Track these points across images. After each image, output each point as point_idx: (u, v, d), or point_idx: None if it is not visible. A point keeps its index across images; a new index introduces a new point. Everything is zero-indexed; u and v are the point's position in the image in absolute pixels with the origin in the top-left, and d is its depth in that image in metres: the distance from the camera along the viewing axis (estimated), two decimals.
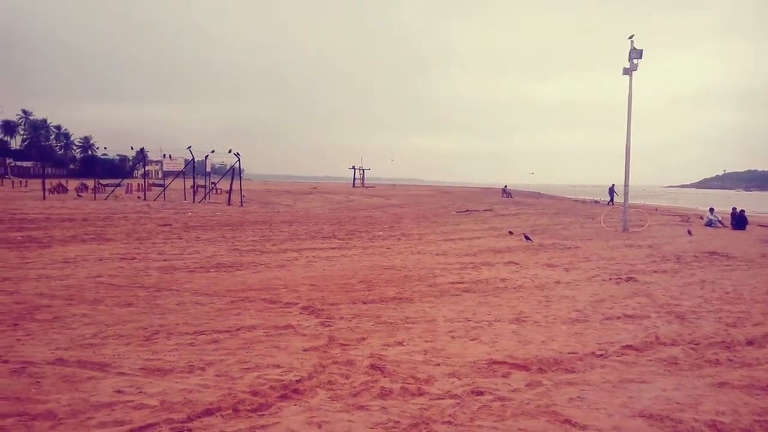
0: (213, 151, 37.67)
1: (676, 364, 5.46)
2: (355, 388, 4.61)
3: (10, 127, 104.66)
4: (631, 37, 20.43)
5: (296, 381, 4.70)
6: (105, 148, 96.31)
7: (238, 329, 6.30)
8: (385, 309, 7.54)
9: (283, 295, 8.33)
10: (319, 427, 3.87)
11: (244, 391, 4.44)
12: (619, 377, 5.02)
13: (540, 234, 18.85)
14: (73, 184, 46.34)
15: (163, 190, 37.47)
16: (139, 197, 36.90)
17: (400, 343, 5.93)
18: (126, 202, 31.28)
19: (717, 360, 5.61)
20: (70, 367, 4.91)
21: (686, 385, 4.86)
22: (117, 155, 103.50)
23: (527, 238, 16.65)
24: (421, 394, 4.50)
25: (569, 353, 5.70)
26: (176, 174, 41.32)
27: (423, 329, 6.53)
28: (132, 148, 43.96)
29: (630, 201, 23.24)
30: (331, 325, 6.59)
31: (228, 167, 40.79)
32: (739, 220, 22.87)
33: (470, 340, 6.15)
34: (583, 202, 48.20)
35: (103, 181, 47.97)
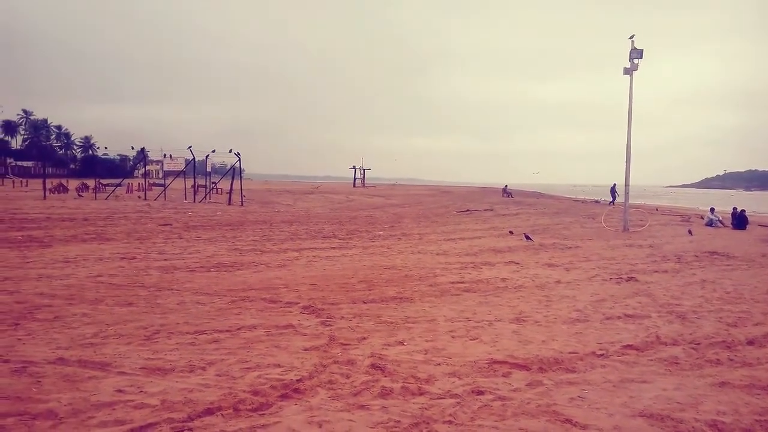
0: (213, 151, 37.72)
1: (676, 363, 5.46)
2: (355, 387, 4.61)
3: (10, 127, 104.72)
4: (631, 37, 20.42)
5: (297, 380, 4.70)
6: (106, 147, 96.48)
7: (238, 329, 6.30)
8: (386, 308, 7.54)
9: (284, 294, 8.33)
10: (320, 426, 3.87)
11: (244, 391, 4.44)
12: (619, 377, 5.02)
13: (540, 234, 18.84)
14: (73, 183, 46.38)
15: (164, 190, 37.49)
16: (139, 197, 36.93)
17: (401, 343, 5.93)
18: (126, 202, 31.29)
19: (718, 360, 5.61)
20: (70, 367, 4.91)
21: (687, 385, 4.85)
22: (117, 155, 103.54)
23: (528, 237, 16.65)
24: (421, 394, 4.50)
25: (570, 353, 5.70)
26: (177, 174, 41.32)
27: (423, 329, 6.53)
28: (132, 148, 43.95)
29: (631, 201, 23.23)
30: (331, 325, 6.59)
31: (228, 167, 40.80)
32: (739, 220, 22.86)
33: (471, 339, 6.14)
34: (584, 201, 48.19)
35: (104, 181, 48.02)
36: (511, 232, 18.81)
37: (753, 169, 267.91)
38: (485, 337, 6.24)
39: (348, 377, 4.84)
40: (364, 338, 6.07)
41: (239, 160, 36.59)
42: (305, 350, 5.59)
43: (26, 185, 51.58)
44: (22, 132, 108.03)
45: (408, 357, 5.45)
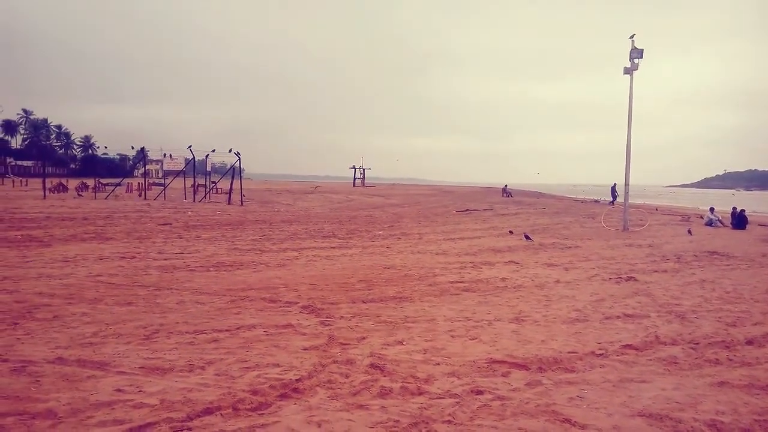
0: (213, 151, 37.71)
1: (675, 363, 5.46)
2: (354, 387, 4.61)
3: (10, 127, 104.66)
4: (632, 37, 20.41)
5: (296, 380, 4.70)
6: (105, 147, 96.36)
7: (238, 328, 6.30)
8: (385, 308, 7.54)
9: (283, 294, 8.33)
10: (319, 426, 3.87)
11: (243, 390, 4.44)
12: (618, 377, 5.02)
13: (540, 233, 18.85)
14: (73, 183, 46.36)
15: (164, 190, 37.49)
16: (140, 194, 36.92)
17: (400, 343, 5.93)
18: (126, 202, 31.29)
19: (717, 359, 5.61)
20: (69, 366, 4.91)
21: (686, 385, 4.86)
22: (117, 155, 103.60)
23: (527, 237, 16.65)
24: (420, 394, 4.50)
25: (569, 352, 5.70)
26: (176, 173, 41.32)
27: (423, 328, 6.53)
28: (132, 148, 43.96)
29: (630, 200, 23.23)
30: (331, 324, 6.59)
31: (228, 167, 40.79)
32: (739, 220, 22.86)
33: (470, 339, 6.15)
34: (583, 201, 48.19)
35: (104, 181, 48.02)
36: (510, 232, 18.81)
37: (753, 169, 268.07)
38: (484, 336, 6.24)
39: (347, 377, 4.84)
40: (364, 338, 6.07)
41: (239, 159, 36.62)
42: (304, 350, 5.59)
43: (26, 185, 51.58)
44: (22, 131, 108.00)
45: (407, 357, 5.45)
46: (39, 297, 7.64)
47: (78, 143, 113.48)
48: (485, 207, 34.79)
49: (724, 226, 23.26)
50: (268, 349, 5.57)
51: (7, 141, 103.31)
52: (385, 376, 4.89)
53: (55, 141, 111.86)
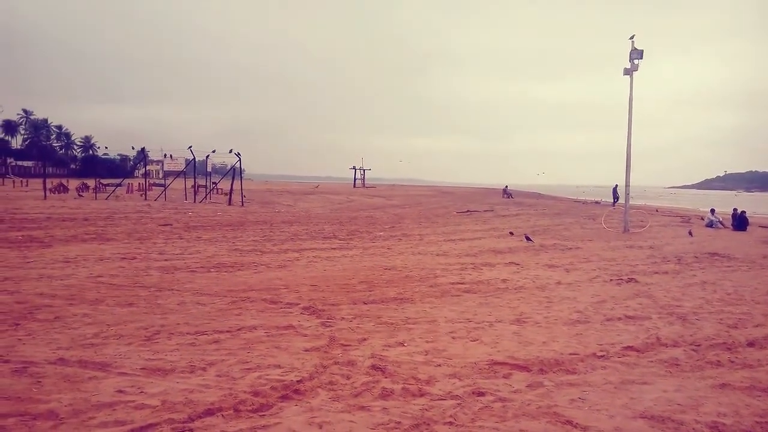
0: (214, 151, 37.74)
1: (677, 365, 5.46)
2: (356, 388, 4.61)
3: (11, 127, 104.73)
4: (632, 38, 20.42)
5: (297, 381, 4.70)
6: (106, 147, 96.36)
7: (239, 329, 6.30)
8: (386, 309, 7.54)
9: (284, 295, 8.33)
10: (320, 427, 3.87)
11: (245, 392, 4.44)
12: (620, 378, 5.02)
13: (541, 235, 18.85)
14: (74, 183, 46.36)
15: (164, 190, 37.49)
16: (141, 194, 36.93)
17: (401, 344, 5.93)
18: (127, 202, 31.30)
19: (718, 361, 5.61)
20: (71, 367, 4.92)
21: (687, 387, 4.85)
22: (118, 155, 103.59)
23: (528, 238, 16.65)
24: (422, 395, 4.50)
25: (570, 354, 5.70)
26: (177, 174, 41.34)
27: (424, 330, 6.53)
28: (133, 148, 43.98)
29: (631, 202, 23.22)
30: (332, 326, 6.59)
31: (229, 167, 40.80)
32: (740, 221, 22.86)
33: (471, 340, 6.14)
34: (584, 202, 48.18)
35: (104, 181, 48.04)
36: (511, 233, 18.81)
37: (753, 170, 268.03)
38: (486, 338, 6.24)
39: (348, 378, 4.84)
40: (365, 339, 6.07)
41: (239, 160, 36.63)
42: (306, 351, 5.59)
43: (26, 185, 51.59)
44: (23, 132, 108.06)
45: (408, 358, 5.45)
46: (40, 298, 7.64)
47: (78, 143, 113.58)
48: (486, 208, 34.79)
49: (725, 227, 23.25)
50: (269, 351, 5.58)
51: (7, 141, 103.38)
52: (386, 377, 4.89)
53: (55, 141, 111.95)
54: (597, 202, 47.30)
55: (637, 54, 20.37)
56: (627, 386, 4.83)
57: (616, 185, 38.81)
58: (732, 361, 5.62)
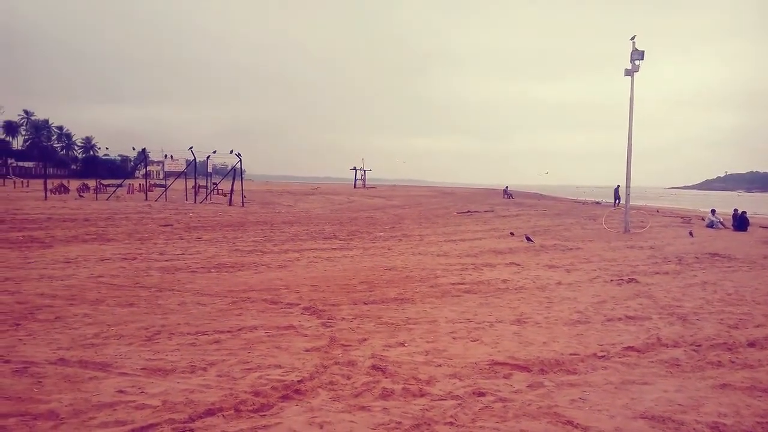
0: (215, 152, 37.72)
1: (677, 365, 5.46)
2: (356, 388, 4.61)
3: (11, 128, 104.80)
4: (633, 38, 20.41)
5: (298, 381, 4.70)
6: (107, 148, 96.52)
7: (239, 329, 6.30)
8: (387, 310, 7.54)
9: (285, 295, 8.33)
10: (321, 427, 3.87)
11: (245, 392, 4.44)
12: (620, 378, 5.02)
13: (541, 235, 18.84)
14: (74, 184, 46.39)
15: (165, 191, 37.50)
16: (142, 190, 36.92)
17: (402, 344, 5.93)
18: (127, 203, 31.32)
19: (719, 362, 5.61)
20: (71, 367, 4.92)
21: (688, 387, 4.85)
22: (119, 156, 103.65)
23: (528, 239, 16.65)
24: (422, 395, 4.50)
25: (571, 354, 5.69)
26: (178, 174, 41.34)
27: (424, 330, 6.53)
28: (134, 149, 43.90)
29: (632, 202, 23.21)
30: (332, 326, 6.59)
31: (229, 168, 40.80)
32: (740, 222, 22.84)
33: (472, 341, 6.14)
34: (584, 203, 48.17)
35: (105, 182, 48.05)
36: (512, 234, 18.80)
37: (754, 170, 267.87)
38: (486, 338, 6.24)
39: (349, 378, 4.84)
40: (365, 339, 6.07)
41: (240, 161, 36.65)
42: (306, 351, 5.59)
43: (27, 186, 51.62)
44: (24, 132, 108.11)
45: (409, 358, 5.45)
46: (41, 298, 7.65)
47: (79, 144, 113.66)
48: (486, 208, 34.79)
49: (726, 228, 23.24)
50: (270, 351, 5.58)
51: (8, 142, 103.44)
52: (386, 377, 4.89)
53: (56, 142, 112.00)
54: (597, 203, 47.28)
55: (638, 55, 20.36)
56: (627, 386, 4.82)
57: (618, 186, 38.78)
58: (733, 362, 5.62)
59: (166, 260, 11.44)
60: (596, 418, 4.13)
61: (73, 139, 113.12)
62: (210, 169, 40.35)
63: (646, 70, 21.29)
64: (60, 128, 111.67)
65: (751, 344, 6.22)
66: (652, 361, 5.55)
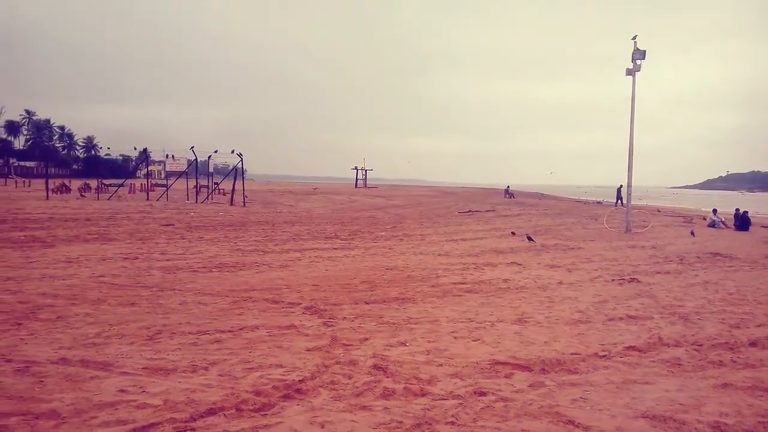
0: (216, 152, 37.74)
1: (679, 365, 5.45)
2: (357, 388, 4.61)
3: (13, 128, 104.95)
4: (634, 38, 20.38)
5: (299, 381, 4.70)
6: (108, 148, 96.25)
7: (240, 329, 6.31)
8: (388, 309, 7.54)
9: (286, 295, 8.34)
10: (322, 427, 3.87)
11: (247, 391, 4.45)
12: (622, 378, 5.01)
13: (542, 235, 18.83)
14: (76, 184, 46.43)
15: (166, 191, 37.52)
16: (144, 190, 36.94)
17: (403, 344, 5.93)
18: (129, 202, 31.35)
19: (720, 361, 5.60)
20: (73, 367, 4.92)
21: (689, 387, 4.85)
22: (120, 155, 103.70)
23: (530, 238, 16.64)
24: (423, 395, 4.50)
25: (572, 354, 5.69)
26: (179, 174, 41.36)
27: (426, 330, 6.53)
28: (135, 149, 43.92)
29: (633, 202, 23.19)
30: (333, 326, 6.59)
31: (230, 167, 40.82)
32: (742, 221, 22.81)
33: (473, 340, 6.14)
34: (586, 203, 48.13)
35: (106, 181, 48.09)
36: (513, 233, 18.80)
37: (755, 170, 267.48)
38: (487, 338, 6.24)
39: (350, 378, 4.85)
40: (366, 339, 6.07)
41: (241, 160, 36.66)
42: (307, 351, 5.59)
43: (29, 185, 51.69)
44: (25, 132, 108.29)
45: (410, 358, 5.45)
46: (42, 297, 7.66)
47: (81, 144, 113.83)
48: (487, 208, 34.78)
49: (727, 227, 23.21)
50: (271, 350, 5.58)
51: (10, 142, 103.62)
52: (388, 377, 4.89)
53: (57, 142, 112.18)
54: (599, 203, 47.24)
55: (639, 54, 20.32)
56: (629, 386, 4.82)
57: (621, 186, 38.74)
58: (734, 361, 5.61)
59: (168, 260, 11.45)
60: (597, 418, 4.12)
61: (75, 138, 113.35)
62: (211, 169, 40.37)
63: (646, 70, 21.24)
64: (62, 128, 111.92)
65: (753, 344, 6.21)
66: (654, 361, 5.55)
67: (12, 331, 6.04)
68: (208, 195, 36.83)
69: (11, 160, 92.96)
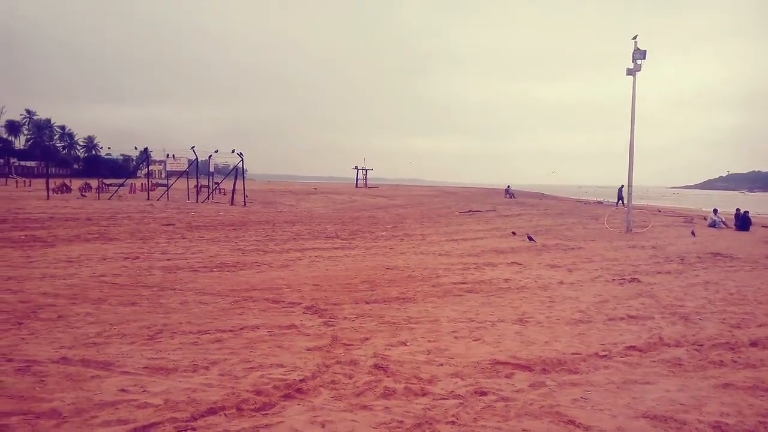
0: (216, 151, 37.76)
1: (679, 365, 5.45)
2: (358, 387, 4.61)
3: (14, 127, 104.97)
4: (634, 38, 20.37)
5: (300, 380, 4.70)
6: (109, 147, 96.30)
7: (241, 329, 6.31)
8: (389, 309, 7.54)
9: (287, 294, 8.34)
10: (323, 426, 3.87)
11: (247, 391, 4.45)
12: (622, 378, 5.01)
13: (543, 234, 18.82)
14: (76, 183, 46.41)
15: (167, 190, 37.53)
16: (144, 189, 36.96)
17: (404, 343, 5.93)
18: (129, 202, 31.35)
19: (721, 361, 5.60)
20: (74, 366, 4.93)
21: (690, 387, 4.85)
22: (120, 155, 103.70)
23: (530, 238, 16.64)
24: (424, 394, 4.50)
25: (572, 354, 5.69)
26: (180, 174, 41.37)
27: (426, 329, 6.53)
28: (136, 148, 43.93)
29: (634, 202, 23.18)
30: (334, 325, 6.59)
31: (231, 167, 40.84)
32: (742, 221, 22.80)
33: (473, 340, 6.14)
34: (586, 203, 48.12)
35: (107, 181, 48.08)
36: (513, 233, 18.79)
37: (756, 170, 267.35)
38: (488, 337, 6.23)
39: (351, 377, 4.85)
40: (367, 339, 6.07)
41: (242, 160, 36.67)
42: (308, 350, 5.59)
43: (29, 185, 51.68)
44: (26, 132, 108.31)
45: (411, 357, 5.45)
46: (43, 297, 7.66)
47: (81, 144, 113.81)
48: (488, 208, 34.77)
49: (728, 227, 23.20)
50: (272, 350, 5.58)
51: (10, 141, 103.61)
52: (388, 376, 4.89)
53: (58, 141, 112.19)
54: (599, 203, 47.23)
55: (640, 54, 20.31)
56: (629, 386, 4.82)
57: (622, 186, 38.72)
58: (735, 361, 5.61)
59: (168, 259, 11.46)
60: (598, 418, 4.12)
61: (75, 138, 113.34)
62: (212, 169, 40.38)
63: (646, 70, 21.22)
64: (62, 128, 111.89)
65: (754, 344, 6.21)
66: (654, 361, 5.55)
67: (13, 330, 6.05)
68: (208, 195, 36.84)
69: (12, 160, 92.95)
